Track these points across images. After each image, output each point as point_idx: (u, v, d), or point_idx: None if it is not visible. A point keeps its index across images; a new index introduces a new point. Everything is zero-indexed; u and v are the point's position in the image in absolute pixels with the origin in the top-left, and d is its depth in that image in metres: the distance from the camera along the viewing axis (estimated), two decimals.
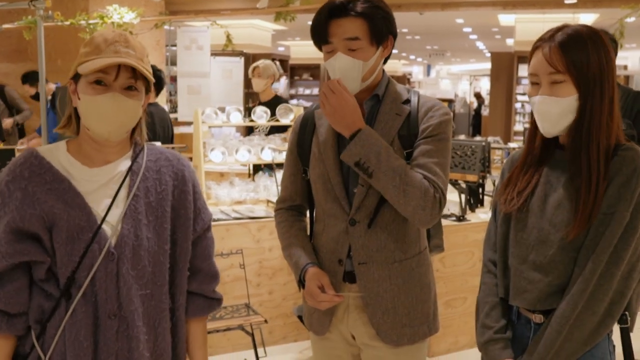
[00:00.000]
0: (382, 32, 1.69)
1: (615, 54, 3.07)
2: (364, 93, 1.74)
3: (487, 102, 15.75)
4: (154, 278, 1.45)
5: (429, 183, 1.62)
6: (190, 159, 4.17)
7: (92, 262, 1.37)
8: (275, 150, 4.00)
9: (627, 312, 1.47)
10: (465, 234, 3.62)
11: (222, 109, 4.17)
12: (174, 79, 8.54)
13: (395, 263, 1.72)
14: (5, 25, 5.05)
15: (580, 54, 1.43)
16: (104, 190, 1.44)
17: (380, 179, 1.60)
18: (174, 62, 7.09)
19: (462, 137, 10.26)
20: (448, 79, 25.36)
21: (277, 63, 12.01)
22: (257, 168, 4.47)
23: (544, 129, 1.49)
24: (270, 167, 4.30)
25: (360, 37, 1.65)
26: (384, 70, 1.79)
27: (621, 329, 1.50)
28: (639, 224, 1.42)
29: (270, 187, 3.99)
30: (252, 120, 4.11)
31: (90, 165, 1.45)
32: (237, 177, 4.18)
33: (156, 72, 4.37)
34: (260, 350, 3.24)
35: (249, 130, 4.98)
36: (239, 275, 3.39)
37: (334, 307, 1.76)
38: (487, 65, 14.27)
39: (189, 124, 6.59)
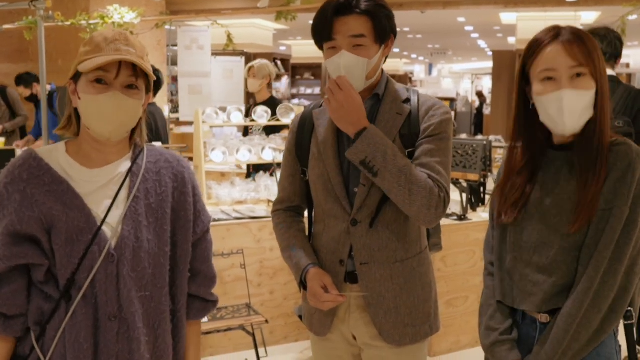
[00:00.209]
0: (386, 30, 1.69)
1: (620, 53, 3.07)
2: (364, 92, 1.73)
3: (488, 100, 15.72)
4: (153, 280, 1.44)
5: (434, 182, 1.62)
6: (191, 159, 4.17)
7: (92, 264, 1.36)
8: (276, 150, 3.99)
9: (631, 308, 1.47)
10: (467, 233, 3.61)
11: (224, 109, 4.17)
12: (175, 79, 8.54)
13: (397, 263, 1.72)
14: (6, 26, 5.06)
15: (593, 48, 1.45)
16: (103, 191, 1.43)
17: (386, 178, 1.60)
18: (175, 62, 7.09)
19: (464, 136, 10.25)
20: (450, 77, 25.35)
21: (279, 63, 12.03)
22: (257, 168, 4.47)
23: (566, 125, 1.46)
24: (260, 168, 4.31)
25: (365, 35, 1.65)
26: (383, 70, 1.78)
27: (625, 326, 1.49)
28: (638, 217, 1.41)
29: (271, 187, 3.98)
30: (252, 120, 4.11)
31: (89, 166, 1.44)
32: (237, 177, 4.17)
33: (154, 72, 4.37)
34: (261, 350, 3.23)
35: (245, 131, 4.96)
36: (240, 275, 3.39)
37: (336, 308, 1.75)
38: (489, 64, 14.25)
39: (190, 124, 6.59)
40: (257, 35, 11.43)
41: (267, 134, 4.36)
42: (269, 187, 3.99)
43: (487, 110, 15.32)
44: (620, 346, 1.51)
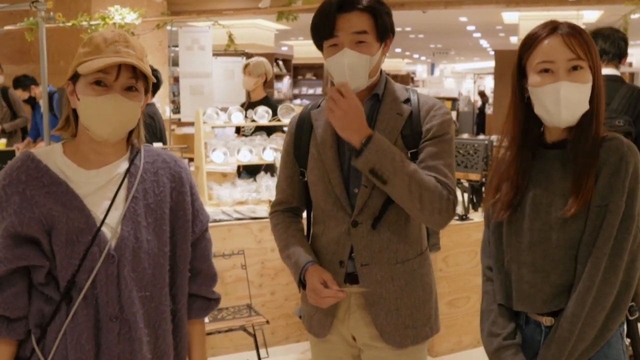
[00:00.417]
0: (386, 28, 1.69)
1: (625, 53, 3.07)
2: (364, 92, 1.72)
3: (491, 100, 15.70)
4: (153, 280, 1.44)
5: (442, 186, 1.62)
6: (192, 159, 4.17)
7: (92, 265, 1.36)
8: (277, 151, 3.98)
9: (634, 304, 1.46)
10: (468, 233, 3.61)
11: (225, 109, 4.17)
12: (177, 80, 8.55)
13: (397, 264, 1.71)
14: (7, 27, 5.06)
15: (591, 43, 1.46)
16: (102, 192, 1.43)
17: (396, 185, 1.59)
18: (176, 63, 7.08)
19: (466, 135, 10.23)
20: (452, 77, 25.33)
21: (281, 63, 12.00)
22: (247, 168, 4.44)
23: (562, 117, 1.45)
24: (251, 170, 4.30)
25: (367, 31, 1.65)
26: (382, 70, 1.77)
27: (630, 322, 1.48)
28: (635, 211, 1.41)
29: (272, 188, 3.98)
30: (253, 120, 4.10)
31: (87, 167, 1.44)
32: (238, 178, 4.17)
33: (153, 72, 4.37)
34: (262, 351, 3.23)
35: (237, 130, 4.90)
36: (241, 275, 3.39)
37: (335, 308, 1.75)
38: (491, 64, 14.25)
39: (191, 124, 6.58)
40: (258, 36, 11.42)
41: (256, 134, 4.34)
42: (270, 188, 3.99)
43: (489, 110, 15.31)
44: (628, 346, 1.50)
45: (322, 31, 1.67)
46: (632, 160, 1.41)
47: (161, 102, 7.48)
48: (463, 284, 3.63)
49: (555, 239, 1.45)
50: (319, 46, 1.72)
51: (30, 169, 1.40)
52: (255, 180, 4.08)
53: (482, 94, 16.64)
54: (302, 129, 1.81)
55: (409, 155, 1.68)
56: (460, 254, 3.60)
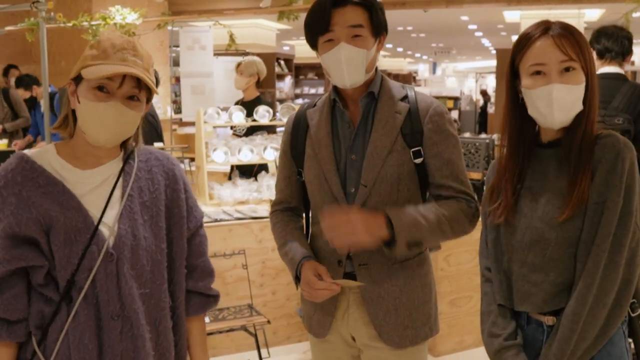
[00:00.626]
0: (381, 23, 1.69)
1: (629, 51, 3.07)
2: (359, 89, 1.71)
3: (493, 99, 15.68)
4: (152, 277, 1.45)
5: (464, 202, 1.68)
6: (193, 159, 4.17)
7: (91, 264, 1.36)
8: (278, 150, 3.98)
9: (635, 300, 1.45)
10: (471, 232, 3.58)
11: (226, 109, 4.16)
12: (178, 80, 8.55)
13: (396, 264, 1.70)
14: (8, 28, 5.06)
15: (584, 42, 1.45)
16: (97, 191, 1.43)
17: (431, 239, 1.66)
18: (178, 63, 7.09)
19: (468, 134, 10.21)
20: (454, 76, 25.34)
21: (282, 63, 11.98)
22: (239, 168, 4.42)
23: (555, 119, 1.45)
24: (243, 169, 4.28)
25: (363, 25, 1.64)
26: (377, 68, 1.77)
27: (631, 319, 1.48)
28: (633, 207, 1.40)
29: (273, 187, 3.97)
30: (254, 120, 4.10)
31: (82, 167, 1.44)
32: (239, 178, 4.16)
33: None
34: (263, 351, 3.22)
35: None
36: (242, 275, 3.38)
37: (334, 308, 1.74)
38: (493, 63, 14.22)
39: (193, 124, 6.58)
40: (260, 35, 11.43)
41: (247, 134, 4.32)
42: (271, 187, 3.98)
43: (491, 109, 15.30)
44: (630, 344, 1.49)
45: (317, 27, 1.67)
46: (628, 156, 1.41)
47: (163, 102, 7.49)
48: (465, 283, 3.62)
49: (554, 237, 1.45)
50: (314, 44, 1.71)
51: (26, 170, 1.39)
52: (256, 179, 4.07)
53: (484, 93, 16.62)
54: (299, 128, 1.81)
55: (411, 154, 1.68)
56: (462, 253, 3.59)
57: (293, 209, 1.88)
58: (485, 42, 16.42)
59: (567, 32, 1.44)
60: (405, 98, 1.73)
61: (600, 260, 1.39)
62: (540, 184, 1.50)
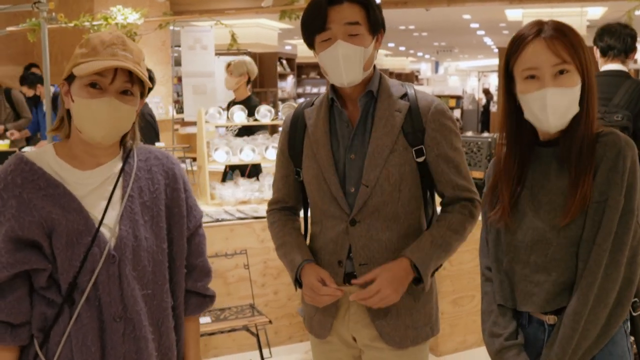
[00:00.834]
0: (378, 21, 1.68)
1: (633, 48, 3.07)
2: (358, 87, 1.70)
3: (495, 98, 15.66)
4: (154, 277, 1.44)
5: (469, 203, 1.73)
6: (194, 159, 4.16)
7: (93, 266, 1.36)
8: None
9: (637, 299, 1.45)
10: (473, 231, 3.58)
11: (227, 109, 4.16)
12: (180, 80, 8.57)
13: None
14: (10, 28, 5.06)
15: (578, 42, 1.42)
16: (98, 192, 1.42)
17: (448, 257, 1.75)
18: (180, 63, 7.09)
19: (470, 133, 10.21)
20: (456, 75, 25.33)
21: (284, 62, 11.98)
22: (233, 168, 4.40)
23: (550, 123, 1.44)
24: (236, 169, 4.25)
25: (360, 22, 1.63)
26: (375, 66, 1.76)
27: (632, 318, 1.47)
28: (634, 206, 1.39)
29: None
30: (255, 120, 4.09)
31: (81, 168, 1.44)
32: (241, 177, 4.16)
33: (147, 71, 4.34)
34: (265, 351, 3.22)
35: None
36: (244, 275, 3.38)
37: (335, 309, 1.74)
38: (495, 61, 14.21)
39: (195, 123, 6.59)
40: (261, 35, 11.44)
41: (241, 135, 4.30)
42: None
43: (494, 108, 15.28)
44: (632, 343, 1.49)
45: (314, 25, 1.65)
46: (630, 154, 1.40)
47: (165, 102, 7.50)
48: (467, 282, 3.61)
49: (555, 237, 1.44)
50: (311, 44, 1.70)
51: (25, 171, 1.38)
52: (258, 179, 4.07)
53: (486, 92, 16.60)
54: (296, 127, 1.80)
55: (413, 153, 1.67)
56: (464, 252, 3.58)
57: (290, 209, 1.88)
58: (488, 40, 16.41)
59: (560, 34, 1.42)
60: (404, 96, 1.72)
61: (602, 260, 1.38)
62: (541, 184, 1.49)
